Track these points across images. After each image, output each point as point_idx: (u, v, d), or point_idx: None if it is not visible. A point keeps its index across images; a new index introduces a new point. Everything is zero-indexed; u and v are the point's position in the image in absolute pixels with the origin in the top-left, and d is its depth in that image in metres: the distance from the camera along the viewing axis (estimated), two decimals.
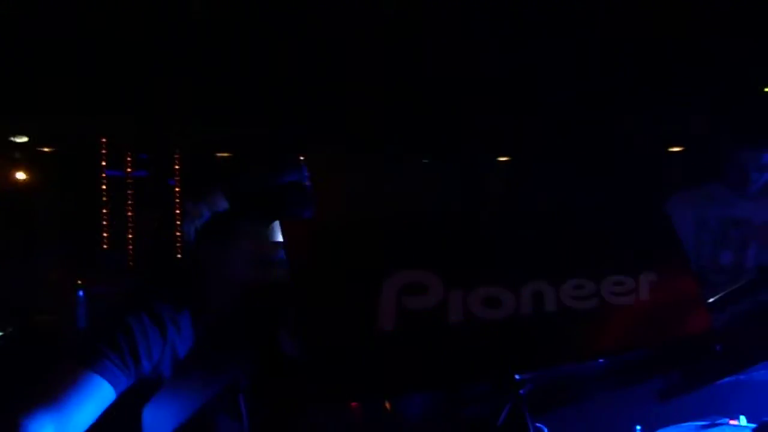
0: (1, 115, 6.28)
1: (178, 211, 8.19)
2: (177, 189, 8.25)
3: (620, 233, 0.92)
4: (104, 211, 7.75)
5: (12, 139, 6.98)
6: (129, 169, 8.02)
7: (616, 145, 6.05)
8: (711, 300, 1.26)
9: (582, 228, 0.89)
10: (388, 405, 1.04)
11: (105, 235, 7.52)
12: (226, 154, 7.54)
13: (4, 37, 5.14)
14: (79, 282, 4.27)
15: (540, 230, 0.86)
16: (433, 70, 5.64)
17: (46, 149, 7.31)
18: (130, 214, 8.00)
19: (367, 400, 0.84)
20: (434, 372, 0.76)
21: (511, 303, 0.81)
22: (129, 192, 8.01)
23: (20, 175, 7.25)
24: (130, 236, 7.88)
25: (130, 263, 7.35)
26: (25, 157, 7.22)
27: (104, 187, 7.76)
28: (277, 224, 1.30)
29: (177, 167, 8.23)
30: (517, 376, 0.85)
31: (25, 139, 7.02)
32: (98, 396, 1.26)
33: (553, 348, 0.85)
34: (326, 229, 0.72)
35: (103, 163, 7.74)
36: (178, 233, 7.94)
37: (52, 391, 1.23)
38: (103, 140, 7.57)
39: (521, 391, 0.88)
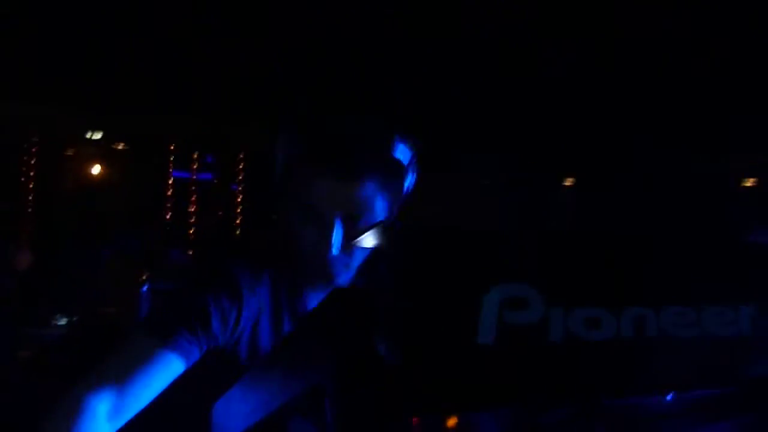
0: (78, 111, 6.48)
1: (239, 213, 8.33)
2: (239, 192, 8.40)
3: (723, 262, 0.89)
4: (169, 210, 7.93)
5: (88, 135, 7.20)
6: (195, 171, 8.20)
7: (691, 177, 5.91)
8: None
9: (684, 254, 0.87)
10: (451, 422, 1.01)
11: (168, 232, 7.69)
12: None
13: (83, 37, 5.32)
14: (144, 277, 4.37)
15: (642, 254, 0.84)
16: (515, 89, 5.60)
17: (119, 146, 7.52)
18: (193, 212, 8.17)
19: (460, 412, 0.82)
20: (528, 388, 0.74)
21: (611, 325, 0.78)
22: (193, 192, 8.18)
23: (93, 171, 7.48)
24: (191, 235, 8.05)
25: (192, 262, 7.49)
26: (99, 153, 7.44)
27: (171, 187, 7.95)
28: (327, 180, 1.22)
29: (241, 172, 8.37)
30: (605, 402, 0.82)
31: (99, 135, 7.24)
32: (166, 369, 1.23)
33: (650, 375, 0.82)
34: (436, 236, 0.71)
35: (171, 165, 7.92)
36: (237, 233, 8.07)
37: (116, 365, 1.20)
38: (172, 142, 7.76)
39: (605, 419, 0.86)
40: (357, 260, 1.30)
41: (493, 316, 0.69)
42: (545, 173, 6.95)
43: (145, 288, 4.07)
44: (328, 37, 5.15)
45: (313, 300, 1.38)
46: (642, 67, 5.12)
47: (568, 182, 7.22)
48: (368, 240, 1.29)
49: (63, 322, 4.66)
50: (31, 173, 7.36)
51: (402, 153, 1.28)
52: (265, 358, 1.26)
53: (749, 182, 6.21)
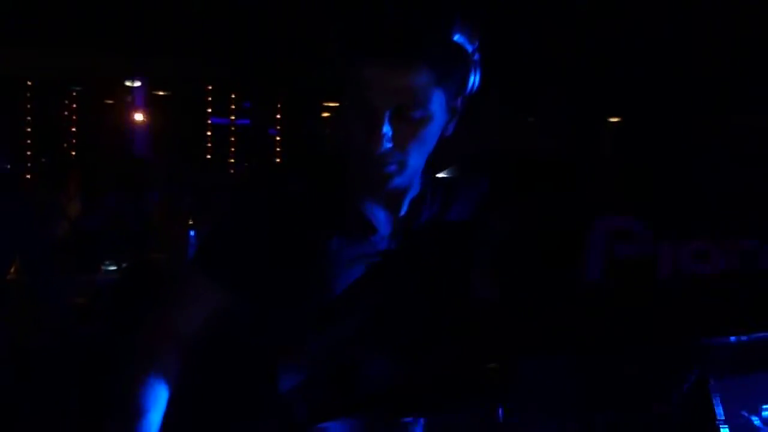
0: (115, 58, 6.47)
1: (277, 158, 8.33)
2: (278, 138, 8.39)
3: None
4: (209, 155, 7.97)
5: (127, 83, 7.22)
6: (233, 117, 8.19)
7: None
8: None
9: None
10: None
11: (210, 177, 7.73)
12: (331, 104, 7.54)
13: None
14: (191, 222, 4.39)
15: (748, 189, 0.78)
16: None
17: (158, 93, 7.52)
18: (232, 160, 8.20)
19: (563, 354, 0.78)
20: (639, 329, 0.70)
21: (719, 259, 0.74)
22: (232, 137, 8.19)
23: (134, 117, 7.52)
24: (233, 179, 8.09)
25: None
26: (139, 100, 7.46)
27: (210, 133, 7.96)
28: (369, 68, 1.13)
29: (279, 117, 8.35)
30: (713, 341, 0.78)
31: (138, 83, 7.24)
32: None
33: (758, 312, 0.78)
34: (538, 166, 0.67)
35: (209, 111, 7.92)
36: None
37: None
38: (209, 87, 7.74)
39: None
40: (415, 159, 1.21)
41: (601, 249, 0.65)
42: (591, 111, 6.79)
43: (192, 233, 4.09)
44: None
45: (370, 207, 1.29)
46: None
47: (614, 120, 7.05)
48: (426, 138, 1.19)
49: (113, 268, 4.73)
50: (73, 122, 7.43)
51: (465, 40, 1.17)
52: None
53: None
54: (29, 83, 7.14)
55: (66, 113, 7.47)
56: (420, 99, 1.14)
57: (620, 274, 0.63)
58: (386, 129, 1.14)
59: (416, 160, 1.21)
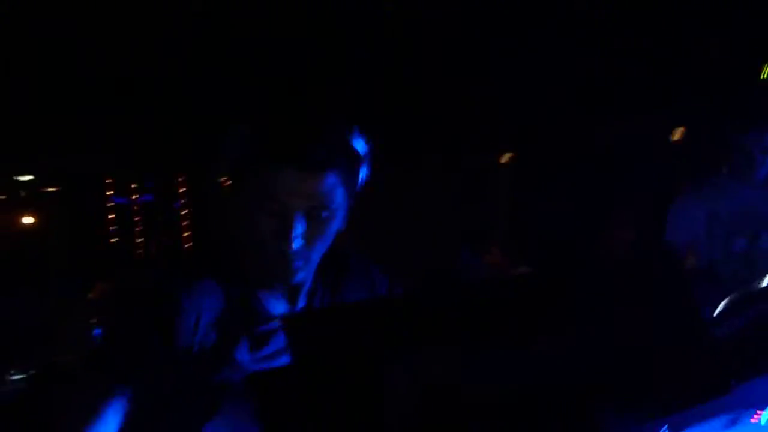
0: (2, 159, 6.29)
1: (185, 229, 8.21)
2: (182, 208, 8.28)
3: None
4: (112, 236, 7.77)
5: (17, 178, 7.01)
6: (134, 198, 8.04)
7: (616, 140, 6.02)
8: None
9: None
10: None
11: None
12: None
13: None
14: (94, 321, 4.29)
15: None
16: (432, 66, 5.60)
17: (49, 189, 7.33)
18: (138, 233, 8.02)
19: None
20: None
21: None
22: (136, 214, 8.03)
23: (25, 216, 7.28)
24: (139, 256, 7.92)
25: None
26: (30, 197, 7.25)
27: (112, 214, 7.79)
28: (280, 173, 1.23)
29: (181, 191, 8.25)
30: None
31: (29, 177, 7.05)
32: (119, 404, 1.24)
33: None
34: (326, 319, 0.71)
35: (110, 195, 7.76)
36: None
37: (78, 408, 1.23)
38: (108, 177, 7.61)
39: None
40: (318, 254, 1.31)
41: None
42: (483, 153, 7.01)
43: (97, 331, 3.99)
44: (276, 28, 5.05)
45: (270, 301, 1.35)
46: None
47: (504, 159, 7.29)
48: (329, 234, 1.30)
49: (20, 377, 4.54)
50: None
51: (360, 144, 1.31)
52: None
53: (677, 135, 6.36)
54: None
55: None
56: (327, 200, 1.26)
57: None
58: (298, 229, 1.24)
59: (319, 254, 1.31)
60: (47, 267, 6.78)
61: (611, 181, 5.76)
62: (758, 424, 1.46)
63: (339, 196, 1.28)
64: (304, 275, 1.32)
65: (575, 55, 5.11)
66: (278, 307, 1.37)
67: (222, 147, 1.31)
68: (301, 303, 1.38)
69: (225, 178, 1.32)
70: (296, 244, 1.25)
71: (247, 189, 1.27)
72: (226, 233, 1.38)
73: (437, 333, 0.76)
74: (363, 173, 1.33)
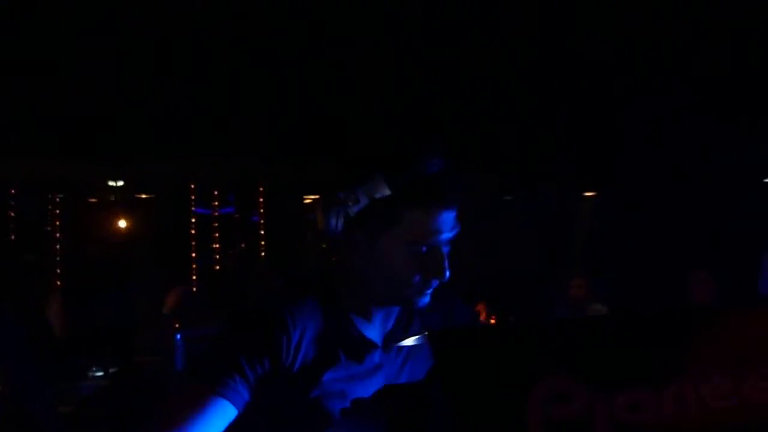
0: (100, 164, 6.57)
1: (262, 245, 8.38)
2: (260, 224, 8.46)
3: (755, 330, 0.90)
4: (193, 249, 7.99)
5: (110, 183, 7.30)
6: (216, 207, 8.26)
7: (709, 177, 5.87)
8: None
9: (716, 326, 0.88)
10: None
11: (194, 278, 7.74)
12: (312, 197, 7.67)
13: (101, 89, 5.40)
14: (177, 325, 4.41)
15: (676, 329, 0.85)
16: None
17: (141, 195, 7.60)
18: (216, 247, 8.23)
19: None
20: None
21: (653, 406, 0.80)
22: (216, 228, 8.24)
23: (117, 220, 7.57)
24: (217, 270, 8.11)
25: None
26: (122, 202, 7.54)
27: (193, 226, 8.02)
28: (437, 214, 1.34)
29: (260, 205, 8.44)
30: None
31: (120, 183, 7.33)
32: (220, 417, 1.27)
33: None
34: (475, 337, 0.74)
35: (192, 204, 8.00)
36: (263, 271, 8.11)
37: (178, 413, 1.25)
38: (192, 185, 7.84)
39: None
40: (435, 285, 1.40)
41: (539, 412, 0.71)
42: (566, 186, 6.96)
43: (178, 336, 4.10)
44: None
45: (363, 323, 1.42)
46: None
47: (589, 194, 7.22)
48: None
49: (99, 374, 4.72)
50: (57, 227, 7.45)
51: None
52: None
53: None
54: (12, 191, 7.22)
55: (50, 219, 7.51)
56: (457, 230, 1.37)
57: None
58: (447, 260, 1.36)
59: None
60: (131, 271, 7.03)
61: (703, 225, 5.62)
62: None
63: (455, 232, 1.38)
64: (425, 300, 1.41)
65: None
66: (370, 329, 1.44)
67: (362, 185, 1.37)
68: (389, 326, 1.46)
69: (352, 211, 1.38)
70: (448, 274, 1.36)
71: (386, 226, 1.35)
72: (340, 261, 1.45)
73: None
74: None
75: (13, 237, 7.19)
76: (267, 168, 7.21)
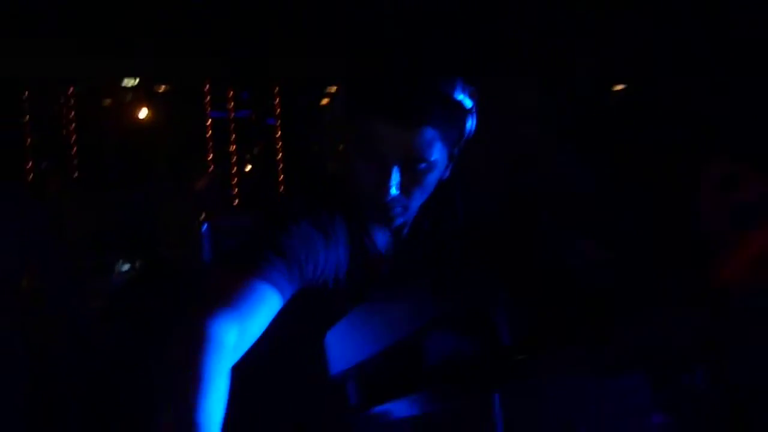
0: (114, 58, 6.43)
1: (278, 148, 8.30)
2: (277, 127, 8.35)
3: None
4: (210, 152, 7.92)
5: (124, 82, 7.18)
6: (232, 109, 8.14)
7: None
8: None
9: None
10: None
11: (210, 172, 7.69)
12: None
13: None
14: (203, 216, 4.36)
15: None
16: None
17: (159, 89, 7.48)
18: (233, 151, 8.16)
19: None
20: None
21: None
22: (232, 131, 8.15)
23: (133, 116, 7.47)
24: (234, 173, 8.07)
25: (235, 200, 7.53)
26: (137, 98, 7.42)
27: (209, 128, 7.92)
28: (385, 127, 1.25)
29: (277, 106, 8.31)
30: None
31: (135, 81, 7.20)
32: (267, 304, 1.19)
33: None
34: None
35: (208, 106, 7.88)
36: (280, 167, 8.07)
37: (230, 297, 1.16)
38: (206, 84, 7.71)
39: None
40: (416, 202, 1.34)
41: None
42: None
43: (205, 226, 4.05)
44: None
45: (379, 237, 1.40)
46: None
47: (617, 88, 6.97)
48: (428, 185, 1.32)
49: (126, 268, 4.72)
50: (72, 125, 7.38)
51: (463, 98, 1.29)
52: (384, 291, 1.27)
53: None
54: (26, 93, 7.11)
55: (64, 114, 7.42)
56: (425, 153, 1.27)
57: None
58: (394, 179, 1.28)
59: (418, 202, 1.35)
60: (150, 171, 6.97)
61: None
62: None
63: (437, 150, 1.29)
64: (404, 219, 1.36)
65: None
66: (384, 241, 1.41)
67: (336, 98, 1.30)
68: (402, 239, 1.43)
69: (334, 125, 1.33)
70: (392, 193, 1.29)
71: (351, 137, 1.32)
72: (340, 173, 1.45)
73: None
74: (468, 126, 1.33)
75: (29, 141, 7.12)
76: (282, 62, 7.02)
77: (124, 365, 3.29)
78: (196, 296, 1.18)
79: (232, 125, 8.16)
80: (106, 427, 3.32)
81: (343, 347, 1.20)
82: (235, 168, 8.12)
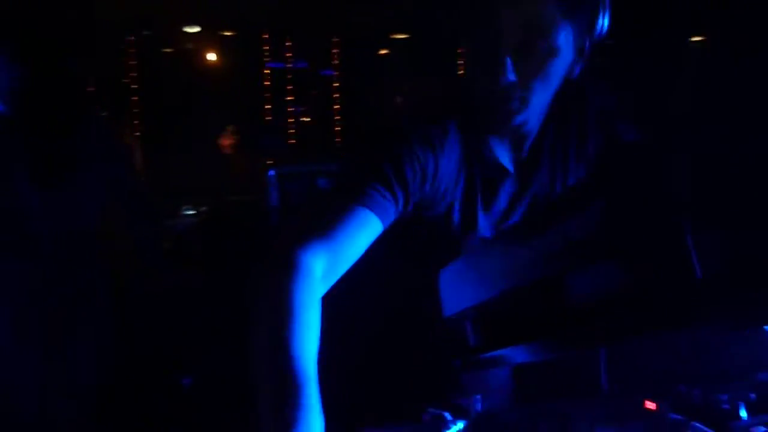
0: (174, 5, 6.41)
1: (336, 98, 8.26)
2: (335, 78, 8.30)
3: None
4: (268, 104, 7.93)
5: (185, 29, 7.18)
6: (289, 61, 8.10)
7: None
8: None
9: None
10: None
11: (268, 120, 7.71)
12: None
13: None
14: (269, 162, 4.35)
15: None
16: None
17: (217, 36, 7.47)
18: (291, 100, 8.15)
19: None
20: None
21: None
22: (289, 81, 8.13)
23: (195, 63, 7.50)
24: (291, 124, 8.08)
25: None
26: (198, 45, 7.43)
27: (267, 78, 7.91)
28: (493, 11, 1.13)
29: (335, 57, 8.24)
30: None
31: (197, 29, 7.20)
32: (366, 230, 1.13)
33: None
34: None
35: (265, 55, 7.86)
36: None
37: (322, 224, 1.11)
38: (265, 35, 7.68)
39: None
40: (537, 97, 1.18)
41: None
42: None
43: (271, 173, 4.04)
44: None
45: (499, 149, 1.28)
46: None
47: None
48: (550, 75, 1.15)
49: (191, 212, 4.76)
50: (134, 69, 7.43)
51: None
52: (509, 233, 1.14)
53: None
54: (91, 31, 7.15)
55: (126, 61, 7.47)
56: (545, 31, 1.11)
57: None
58: (509, 62, 1.12)
59: (539, 97, 1.18)
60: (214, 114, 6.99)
61: None
62: None
63: (562, 32, 1.12)
64: (523, 118, 1.20)
65: None
66: (504, 155, 1.29)
67: None
68: (524, 153, 1.31)
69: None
70: (508, 80, 1.13)
71: (467, 33, 1.18)
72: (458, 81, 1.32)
73: None
74: (599, 16, 1.15)
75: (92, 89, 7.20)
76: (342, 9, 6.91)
77: (198, 306, 3.33)
78: (289, 225, 1.15)
79: (290, 76, 8.15)
80: (184, 368, 3.39)
81: (458, 288, 1.06)
82: (293, 118, 8.14)
